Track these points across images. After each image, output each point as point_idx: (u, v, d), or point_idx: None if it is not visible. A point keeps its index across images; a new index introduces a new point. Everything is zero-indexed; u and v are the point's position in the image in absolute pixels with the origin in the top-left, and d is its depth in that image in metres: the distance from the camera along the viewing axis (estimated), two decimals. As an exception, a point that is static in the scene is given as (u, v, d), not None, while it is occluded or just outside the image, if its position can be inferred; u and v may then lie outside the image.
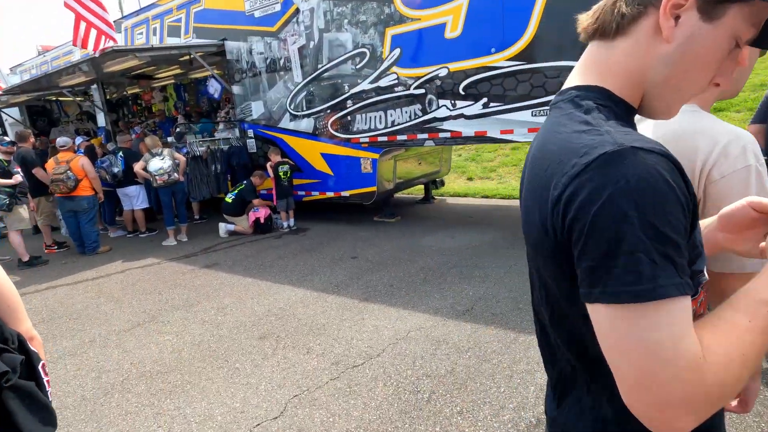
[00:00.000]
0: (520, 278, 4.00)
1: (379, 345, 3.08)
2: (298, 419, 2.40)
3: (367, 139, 6.08)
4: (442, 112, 5.34)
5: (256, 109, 7.21)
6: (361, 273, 4.54)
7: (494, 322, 3.24)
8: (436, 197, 8.12)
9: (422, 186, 8.01)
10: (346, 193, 6.52)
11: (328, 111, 6.38)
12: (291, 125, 6.85)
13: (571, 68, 0.77)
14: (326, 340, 3.23)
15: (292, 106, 6.75)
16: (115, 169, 6.56)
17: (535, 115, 4.73)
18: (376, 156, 6.07)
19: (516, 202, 7.12)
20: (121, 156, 6.66)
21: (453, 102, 5.24)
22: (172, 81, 10.33)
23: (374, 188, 6.18)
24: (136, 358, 3.21)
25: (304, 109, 6.62)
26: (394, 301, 3.77)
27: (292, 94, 6.69)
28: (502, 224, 5.89)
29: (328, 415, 2.40)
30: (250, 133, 7.39)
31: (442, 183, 8.44)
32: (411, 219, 6.74)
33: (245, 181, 6.71)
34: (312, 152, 6.73)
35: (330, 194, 6.72)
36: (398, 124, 5.73)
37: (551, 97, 4.18)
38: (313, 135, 6.64)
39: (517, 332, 3.06)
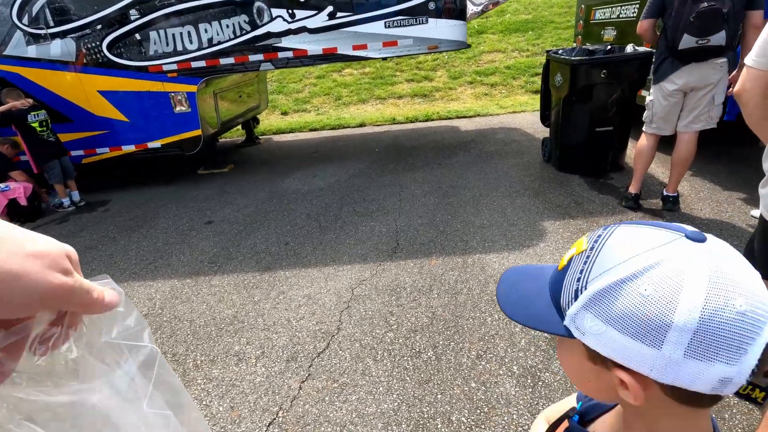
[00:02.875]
0: (418, 203, 3.83)
1: (330, 316, 2.45)
2: (299, 453, 1.68)
3: (174, 66, 4.53)
4: (278, 26, 4.35)
5: (-52, 26, 4.39)
6: (235, 239, 3.53)
7: (431, 252, 3.00)
8: (259, 137, 7.05)
9: (239, 127, 6.78)
10: (155, 144, 4.88)
11: (99, 27, 4.40)
12: (32, 51, 4.48)
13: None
14: (255, 333, 2.37)
15: (25, 21, 4.37)
16: None
17: (389, 26, 4.34)
18: (192, 88, 4.63)
19: (356, 130, 6.85)
20: None
21: (290, 12, 4.31)
22: None
23: (199, 131, 4.80)
24: None
25: (52, 24, 4.38)
26: (306, 261, 3.07)
27: (19, 0, 4.29)
28: (355, 153, 5.55)
29: (338, 429, 1.76)
30: (-55, 67, 4.54)
31: (257, 121, 7.38)
32: (247, 166, 5.66)
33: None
34: (82, 91, 4.66)
35: (129, 148, 4.92)
36: (220, 43, 4.43)
37: (405, 5, 3.82)
38: (79, 65, 4.54)
39: (460, 256, 2.91)
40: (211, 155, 5.72)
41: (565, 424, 0.64)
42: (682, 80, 2.88)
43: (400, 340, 2.21)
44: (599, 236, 0.48)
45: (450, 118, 7.00)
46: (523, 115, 6.55)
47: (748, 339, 0.38)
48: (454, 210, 3.61)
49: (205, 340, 2.36)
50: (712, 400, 0.43)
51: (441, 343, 2.16)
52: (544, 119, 4.53)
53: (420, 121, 7.05)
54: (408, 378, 1.97)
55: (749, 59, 1.16)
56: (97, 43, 4.45)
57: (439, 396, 1.86)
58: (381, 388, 1.93)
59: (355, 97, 8.69)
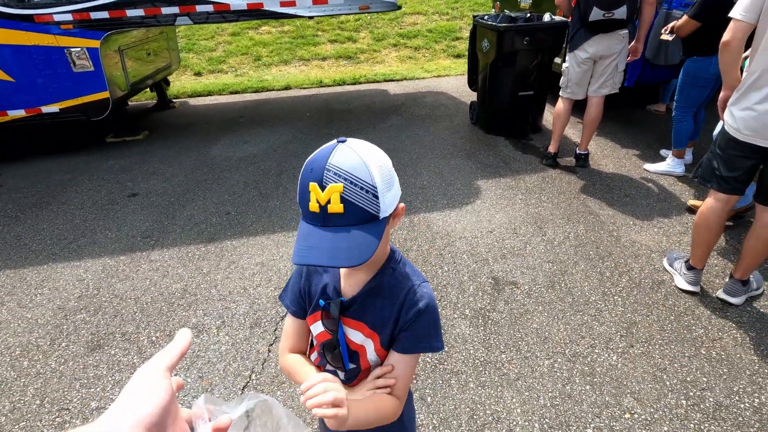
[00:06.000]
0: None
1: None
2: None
3: (69, 17, 3.92)
4: (194, -25, 3.94)
5: None
6: (168, 211, 3.31)
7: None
8: (174, 100, 6.45)
9: (148, 89, 6.12)
10: (52, 108, 4.25)
11: (-39, -37, 3.62)
12: None
13: None
14: (211, 305, 2.32)
15: None
16: None
17: (318, -18, 4.16)
18: (94, 44, 4.07)
19: (282, 93, 6.56)
20: None
21: (208, -40, 3.92)
22: None
23: (106, 93, 4.27)
24: None
25: None
26: (252, 230, 3.01)
27: None
28: (285, 118, 5.37)
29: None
30: None
31: (168, 82, 6.72)
32: (164, 132, 5.19)
33: None
34: (-54, 43, 3.86)
35: (17, 113, 4.23)
36: (125, -8, 3.91)
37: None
38: (-62, 10, 3.73)
39: (407, 216, 3.06)
40: (120, 121, 5.15)
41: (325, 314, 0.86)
42: (592, 49, 3.23)
43: (361, 297, 2.32)
44: (337, 173, 0.68)
45: (378, 82, 7.00)
46: (447, 79, 6.78)
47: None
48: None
49: (156, 316, 2.27)
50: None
51: (399, 296, 2.31)
52: (472, 83, 4.75)
53: (348, 84, 6.95)
54: (373, 330, 2.11)
55: (736, 13, 1.49)
56: (-39, -17, 3.67)
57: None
58: (349, 342, 2.04)
59: (276, 58, 8.24)
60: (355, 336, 0.85)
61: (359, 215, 0.70)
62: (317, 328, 0.88)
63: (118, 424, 0.36)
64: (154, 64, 5.46)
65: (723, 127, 2.01)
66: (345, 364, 0.86)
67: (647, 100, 4.88)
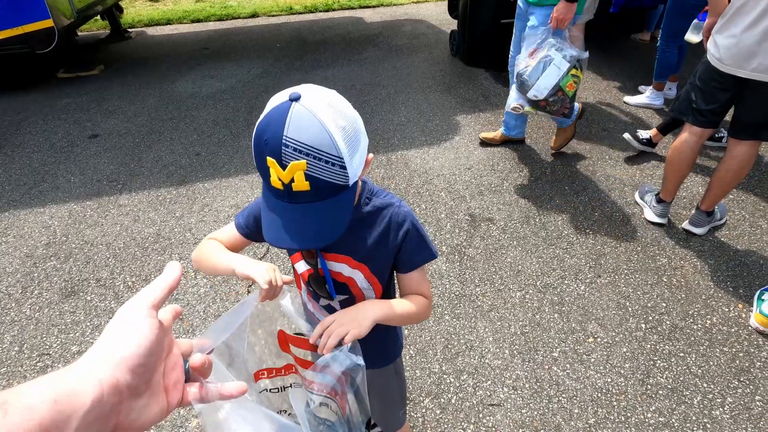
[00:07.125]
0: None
1: (264, 223, 2.43)
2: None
3: (-8, -72, 3.40)
4: None
5: None
6: (134, 152, 3.14)
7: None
8: (129, 30, 5.89)
9: (99, 17, 5.55)
10: (-11, 40, 3.83)
11: None
12: None
13: None
14: (186, 248, 2.29)
15: None
16: None
17: None
18: (27, -37, 3.58)
19: (249, 22, 6.07)
20: None
21: None
22: None
23: (49, 22, 3.84)
24: None
25: None
26: (224, 171, 2.90)
27: None
28: (254, 49, 5.00)
29: (293, 321, 1.89)
30: None
31: (121, 9, 6.11)
32: (122, 66, 4.78)
33: None
34: None
35: (-49, 46, 3.80)
36: None
37: None
38: None
39: (384, 153, 3.00)
40: (71, 54, 4.71)
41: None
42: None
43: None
44: (297, 149, 0.61)
45: (352, 8, 6.51)
46: (427, 5, 6.35)
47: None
48: (372, 109, 3.59)
49: (130, 261, 2.23)
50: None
51: (377, 235, 2.32)
52: (452, 10, 4.47)
53: (320, 11, 6.46)
54: (351, 269, 2.13)
55: None
56: None
57: (381, 280, 2.07)
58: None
59: (240, -20, 7.50)
60: (342, 268, 0.86)
61: (327, 189, 0.65)
62: (301, 267, 0.89)
63: (98, 367, 0.33)
64: (101, -12, 4.90)
65: (705, 58, 1.96)
66: (332, 293, 0.87)
67: (632, 28, 4.71)
